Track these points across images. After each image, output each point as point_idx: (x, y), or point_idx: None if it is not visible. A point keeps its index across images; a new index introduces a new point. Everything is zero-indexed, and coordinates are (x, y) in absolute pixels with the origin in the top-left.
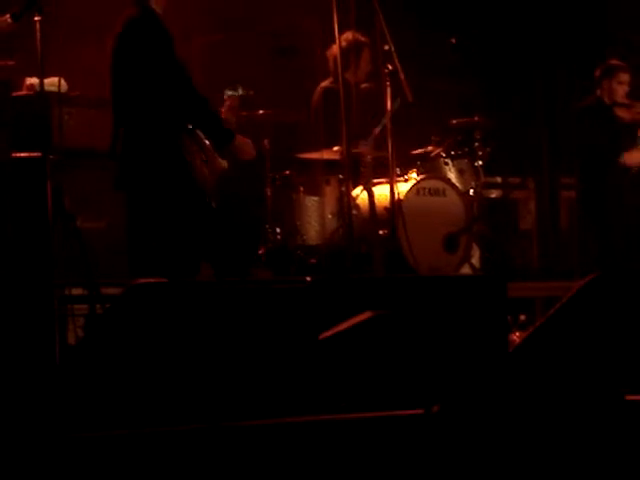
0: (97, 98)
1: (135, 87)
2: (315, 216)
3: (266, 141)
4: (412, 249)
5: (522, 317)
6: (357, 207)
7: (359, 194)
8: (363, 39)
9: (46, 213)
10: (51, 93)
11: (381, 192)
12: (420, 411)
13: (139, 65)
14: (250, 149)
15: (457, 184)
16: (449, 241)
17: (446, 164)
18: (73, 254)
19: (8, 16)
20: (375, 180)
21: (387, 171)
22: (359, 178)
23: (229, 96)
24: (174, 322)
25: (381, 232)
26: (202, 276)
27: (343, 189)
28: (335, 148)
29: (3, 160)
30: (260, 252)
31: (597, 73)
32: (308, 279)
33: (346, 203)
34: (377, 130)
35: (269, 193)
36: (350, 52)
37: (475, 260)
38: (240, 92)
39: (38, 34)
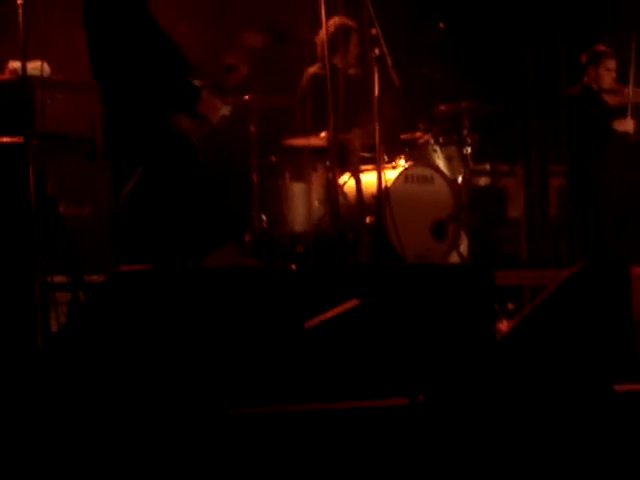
0: (80, 82)
1: (107, 46)
2: (301, 203)
3: (252, 127)
4: (399, 237)
5: (510, 305)
6: (344, 194)
7: (346, 181)
8: (351, 24)
9: (28, 199)
10: (34, 77)
11: (368, 179)
12: (405, 401)
13: (108, 22)
14: (220, 107)
15: (445, 171)
16: (437, 229)
17: (434, 151)
18: (56, 241)
19: None
20: (362, 167)
21: (374, 158)
22: (346, 165)
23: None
24: (157, 309)
25: (368, 219)
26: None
27: (330, 176)
28: (322, 134)
29: None
30: (246, 239)
31: (583, 60)
32: (294, 267)
33: (333, 190)
34: None
35: (255, 179)
36: (338, 37)
37: (463, 248)
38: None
39: (21, 17)
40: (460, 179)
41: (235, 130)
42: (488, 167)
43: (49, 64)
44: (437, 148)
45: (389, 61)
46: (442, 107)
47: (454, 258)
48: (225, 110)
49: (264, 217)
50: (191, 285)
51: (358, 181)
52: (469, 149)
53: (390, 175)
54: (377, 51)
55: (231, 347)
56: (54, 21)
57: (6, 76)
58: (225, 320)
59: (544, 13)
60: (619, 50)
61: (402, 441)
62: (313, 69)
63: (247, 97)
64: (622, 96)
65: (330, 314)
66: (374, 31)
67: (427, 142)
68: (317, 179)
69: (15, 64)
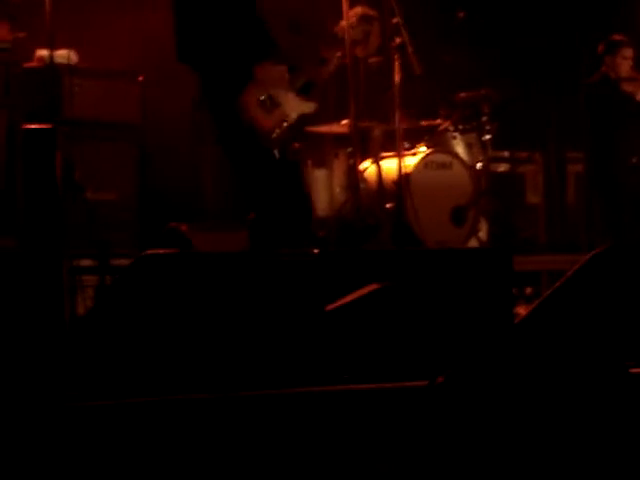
0: (107, 70)
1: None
2: (323, 189)
3: None
4: (419, 222)
5: (528, 290)
6: (365, 180)
7: (367, 167)
8: (372, 13)
9: (56, 184)
10: (61, 65)
11: (389, 166)
12: (424, 383)
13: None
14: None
15: (465, 158)
16: (456, 215)
17: (454, 138)
18: (83, 225)
19: None
20: (383, 154)
21: (395, 145)
22: (368, 151)
23: None
24: (182, 292)
25: (389, 205)
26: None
27: (351, 162)
28: (344, 122)
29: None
30: None
31: (600, 49)
32: (316, 251)
33: (354, 176)
34: None
35: None
36: (360, 27)
37: (482, 234)
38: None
39: (48, 6)
40: (479, 166)
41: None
42: (507, 154)
43: (76, 52)
44: (457, 135)
45: (410, 49)
46: (462, 94)
47: (473, 244)
48: (308, 108)
49: None
50: (215, 268)
51: (379, 168)
52: (488, 136)
53: (410, 162)
54: (398, 40)
55: (255, 329)
56: (81, 10)
57: (34, 64)
58: (248, 303)
59: (563, 1)
60: (636, 38)
61: (421, 422)
62: (334, 58)
63: None
64: None
65: (350, 298)
66: (395, 20)
67: (447, 129)
68: (339, 166)
69: (43, 52)
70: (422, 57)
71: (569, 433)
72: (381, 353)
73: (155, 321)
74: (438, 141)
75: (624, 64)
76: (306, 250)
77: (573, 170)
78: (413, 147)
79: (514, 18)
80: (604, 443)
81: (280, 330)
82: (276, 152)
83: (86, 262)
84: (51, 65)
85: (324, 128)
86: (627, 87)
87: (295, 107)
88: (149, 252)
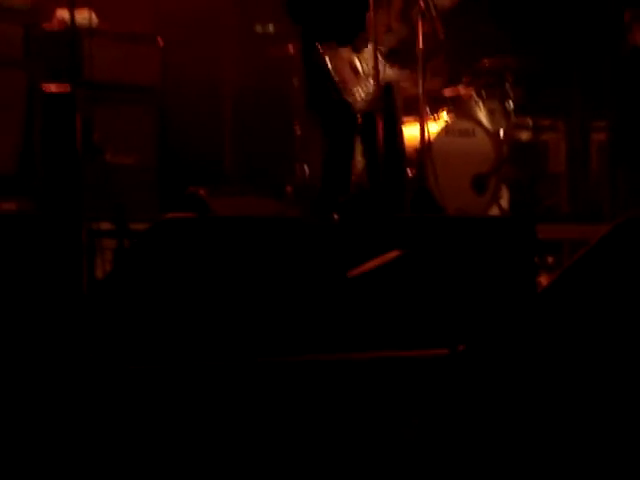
0: (127, 32)
1: None
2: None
3: (295, 79)
4: (440, 190)
5: (550, 259)
6: None
7: None
8: None
9: (75, 147)
10: (82, 26)
11: (410, 132)
12: (445, 351)
13: None
14: None
15: (487, 125)
16: (478, 182)
17: (477, 105)
18: (102, 189)
19: None
20: (404, 119)
21: (417, 111)
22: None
23: None
24: (201, 257)
25: (410, 172)
26: None
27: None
28: None
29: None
30: (288, 190)
31: (627, 18)
32: (336, 217)
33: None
34: None
35: (298, 131)
36: None
37: (504, 202)
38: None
39: None
40: (502, 133)
41: (278, 82)
42: (530, 122)
43: (96, 13)
44: (479, 102)
45: (434, 14)
46: (485, 61)
47: (495, 212)
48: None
49: (306, 168)
50: (234, 234)
51: (400, 129)
52: (511, 103)
53: (432, 128)
54: (422, 4)
55: (275, 295)
56: None
57: (54, 25)
58: (267, 269)
59: None
60: None
61: (442, 389)
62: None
63: (290, 50)
64: None
65: (372, 264)
66: None
67: (470, 96)
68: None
69: (63, 13)
70: (445, 23)
71: (592, 402)
72: (402, 320)
73: (174, 286)
74: (461, 108)
75: None
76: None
77: (596, 139)
78: (435, 113)
79: None
80: (626, 415)
81: (301, 295)
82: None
83: (105, 225)
84: (72, 27)
85: None
86: None
87: (386, 70)
88: (168, 216)
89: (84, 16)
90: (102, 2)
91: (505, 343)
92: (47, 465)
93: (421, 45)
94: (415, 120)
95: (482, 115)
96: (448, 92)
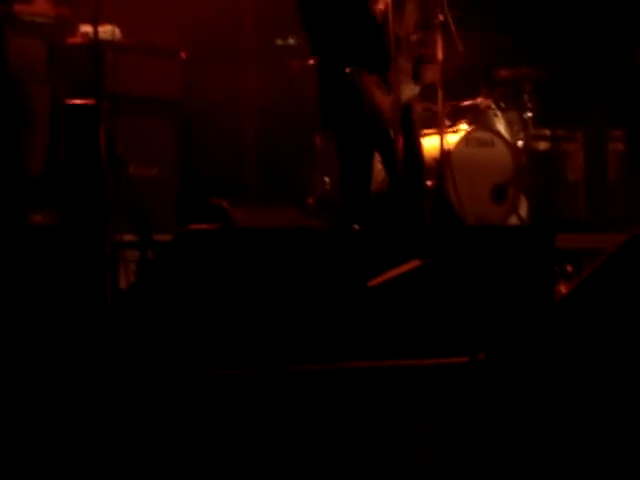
0: (150, 45)
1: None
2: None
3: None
4: (460, 200)
5: (569, 268)
6: None
7: None
8: None
9: (99, 159)
10: (105, 41)
11: (430, 143)
12: (466, 359)
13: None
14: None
15: (506, 135)
16: (497, 192)
17: (495, 115)
18: (125, 200)
19: None
20: (424, 131)
21: (436, 122)
22: None
23: None
24: (224, 268)
25: (429, 182)
26: None
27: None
28: None
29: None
30: (309, 202)
31: None
32: (356, 227)
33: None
34: None
35: (319, 143)
36: (394, 4)
37: (523, 211)
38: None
39: None
40: (520, 143)
41: (299, 94)
42: (548, 132)
43: (119, 28)
44: (498, 113)
45: (452, 26)
46: (503, 72)
47: (514, 221)
48: (416, 90)
49: (327, 179)
50: (256, 245)
51: (420, 145)
52: (529, 114)
53: (451, 139)
54: (441, 16)
55: (296, 306)
56: None
57: (78, 40)
58: (290, 279)
59: None
60: None
61: (463, 397)
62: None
63: (310, 62)
64: None
65: (392, 274)
66: None
67: (488, 106)
68: None
69: (86, 28)
70: (463, 35)
71: (611, 409)
72: (423, 329)
73: (196, 296)
74: (479, 118)
75: None
76: (346, 226)
77: (614, 148)
78: (454, 124)
79: None
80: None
81: (321, 306)
82: (391, 132)
83: (128, 237)
84: (95, 41)
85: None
86: None
87: (406, 90)
88: (191, 227)
89: (107, 30)
90: (125, 17)
91: (525, 351)
92: (55, 471)
93: (440, 57)
94: (434, 131)
95: (501, 125)
96: (467, 103)
